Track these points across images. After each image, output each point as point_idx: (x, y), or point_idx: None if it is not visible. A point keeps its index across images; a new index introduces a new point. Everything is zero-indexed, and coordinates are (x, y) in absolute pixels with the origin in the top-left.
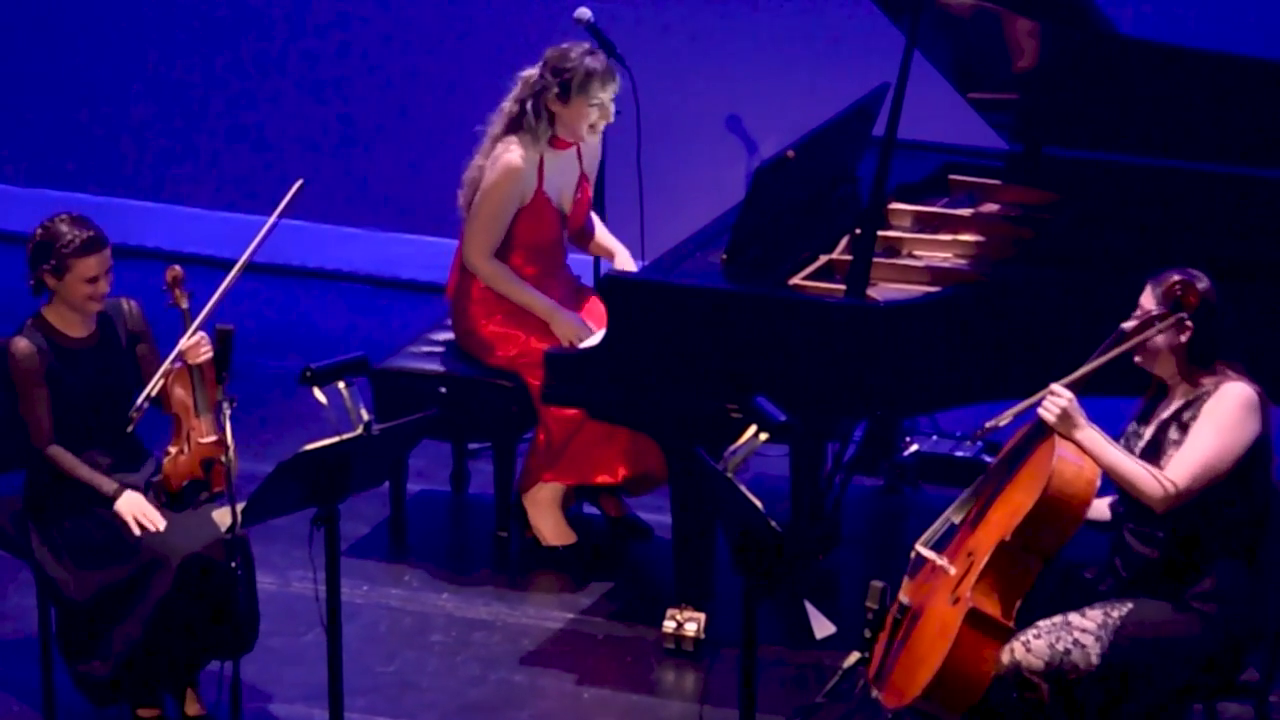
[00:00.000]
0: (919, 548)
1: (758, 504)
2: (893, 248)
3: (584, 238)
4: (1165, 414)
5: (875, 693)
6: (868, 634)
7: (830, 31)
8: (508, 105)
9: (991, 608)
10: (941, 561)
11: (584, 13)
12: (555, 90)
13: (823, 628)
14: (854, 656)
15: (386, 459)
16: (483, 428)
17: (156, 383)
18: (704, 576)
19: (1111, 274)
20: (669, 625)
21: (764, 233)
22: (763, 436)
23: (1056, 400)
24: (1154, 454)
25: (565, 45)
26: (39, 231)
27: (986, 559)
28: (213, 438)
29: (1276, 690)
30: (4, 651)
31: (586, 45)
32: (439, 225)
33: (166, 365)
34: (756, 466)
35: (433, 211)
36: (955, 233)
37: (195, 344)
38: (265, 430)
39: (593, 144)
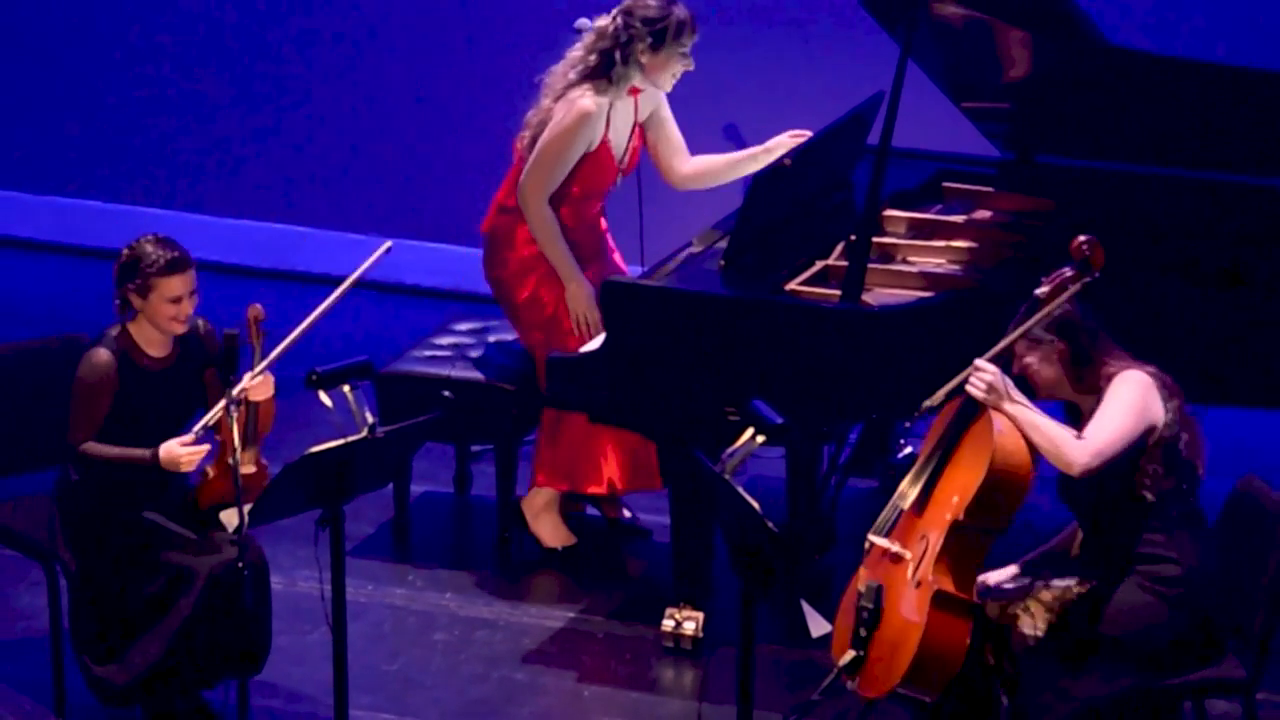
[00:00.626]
0: (872, 537)
1: (755, 505)
2: (887, 254)
3: (692, 176)
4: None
5: (851, 685)
6: (862, 632)
7: (826, 41)
8: (578, 54)
9: (953, 585)
10: (897, 548)
11: (584, 23)
12: (648, 40)
13: (819, 626)
14: (849, 654)
15: (391, 461)
16: (485, 431)
17: (215, 414)
18: (702, 576)
19: (1101, 279)
20: (668, 624)
21: (761, 239)
22: (760, 439)
23: (982, 375)
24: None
25: None
26: (125, 252)
27: (941, 540)
28: (252, 468)
29: (1264, 687)
30: (16, 650)
31: None
32: (442, 233)
33: (227, 400)
34: (753, 468)
35: (436, 219)
36: (949, 239)
37: (261, 383)
38: (271, 432)
39: (650, 91)
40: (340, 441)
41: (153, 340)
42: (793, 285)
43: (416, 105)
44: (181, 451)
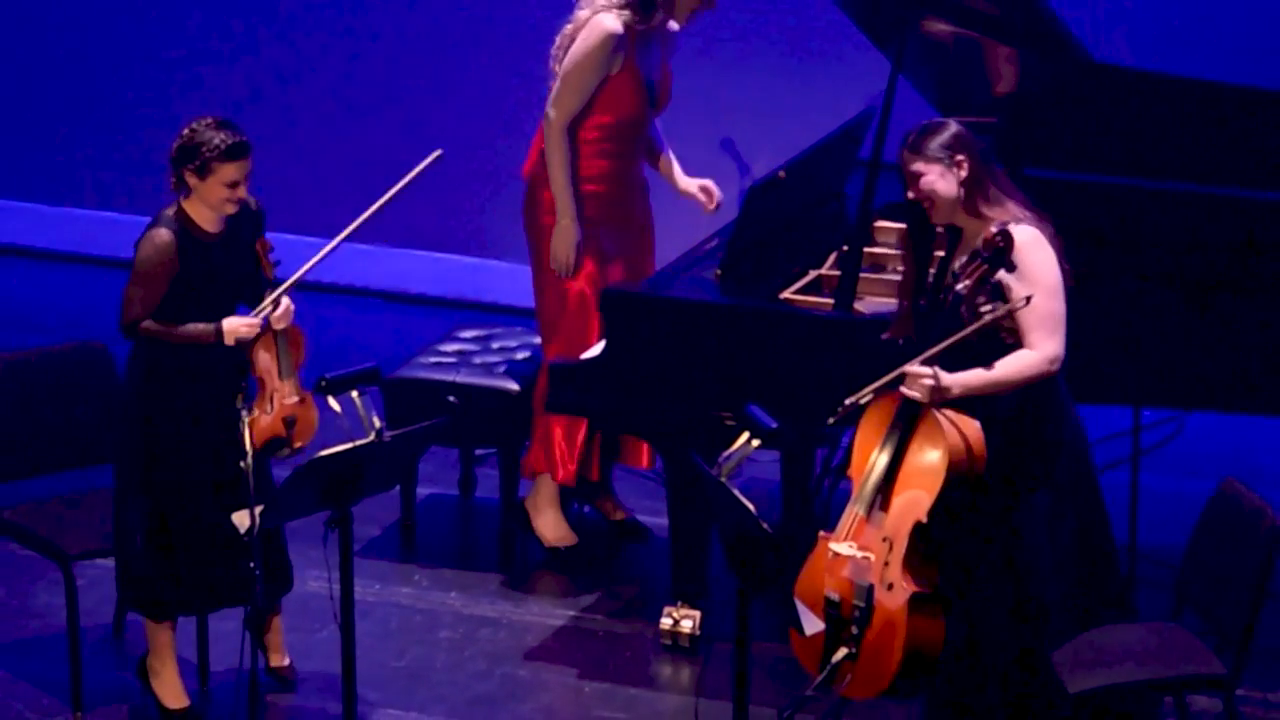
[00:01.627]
0: (834, 547)
1: (750, 507)
2: (878, 263)
3: (652, 154)
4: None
5: (836, 690)
6: (854, 630)
7: (819, 58)
8: None
9: (925, 584)
10: (862, 555)
11: None
12: None
13: (812, 625)
14: (841, 652)
15: (397, 464)
16: (488, 435)
17: (279, 293)
18: (699, 576)
19: (1086, 287)
20: (666, 622)
21: (756, 249)
22: (755, 443)
23: (921, 381)
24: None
25: None
26: (185, 133)
27: (907, 542)
28: (296, 398)
29: (1243, 684)
30: (34, 647)
31: None
32: (447, 243)
33: (255, 319)
34: (749, 471)
35: (441, 230)
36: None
37: (282, 311)
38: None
39: (670, 33)
40: (348, 445)
41: (207, 218)
42: (787, 294)
43: (419, 121)
44: (241, 322)
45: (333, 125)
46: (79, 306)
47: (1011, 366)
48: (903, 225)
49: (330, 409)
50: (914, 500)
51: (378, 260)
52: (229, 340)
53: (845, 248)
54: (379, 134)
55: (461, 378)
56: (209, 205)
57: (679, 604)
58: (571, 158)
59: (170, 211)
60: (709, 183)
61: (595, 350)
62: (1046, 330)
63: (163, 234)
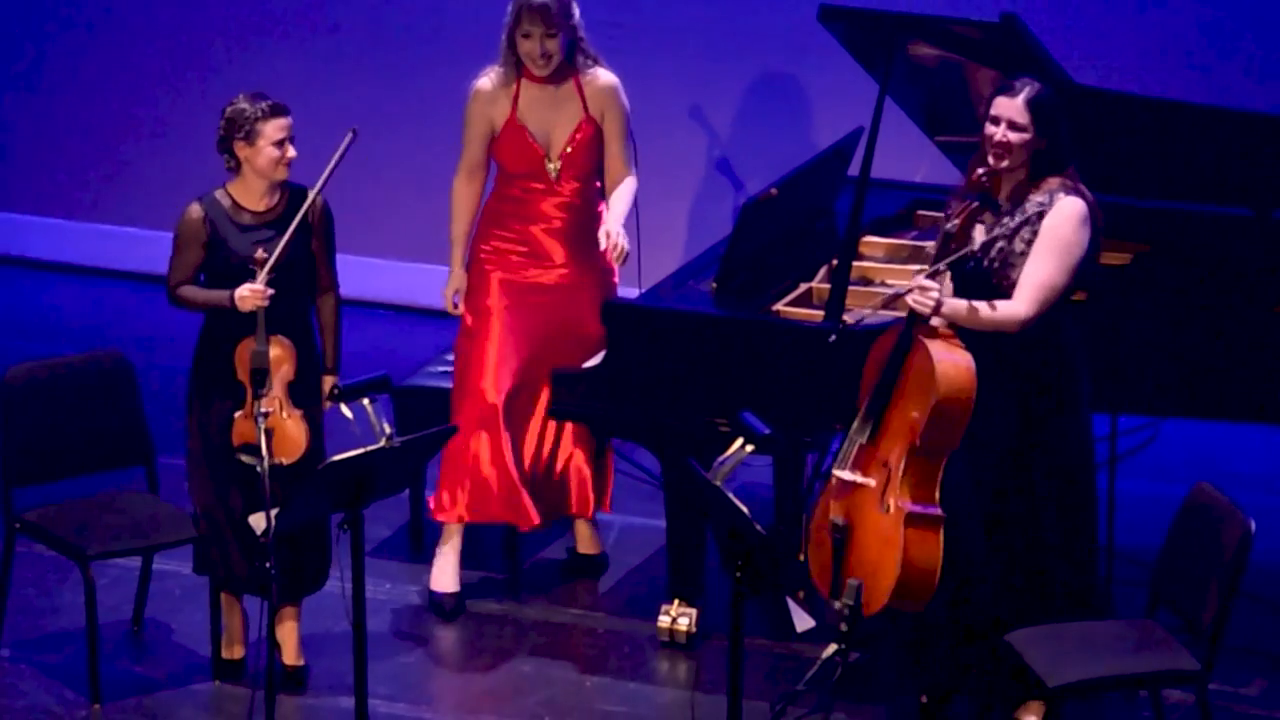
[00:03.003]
0: (838, 473)
1: (744, 509)
2: (866, 277)
3: (608, 193)
4: (1014, 221)
5: (839, 604)
6: (843, 628)
7: (810, 80)
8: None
9: (921, 503)
10: (862, 479)
11: None
12: (508, 21)
13: (803, 622)
14: (831, 648)
15: (407, 468)
16: None
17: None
18: (695, 576)
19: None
20: (663, 620)
21: (750, 263)
22: (748, 448)
23: (929, 295)
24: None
25: None
26: (227, 110)
27: (903, 465)
28: (270, 410)
29: (1214, 678)
30: (57, 643)
31: None
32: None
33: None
34: (743, 475)
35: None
36: (923, 264)
37: (254, 294)
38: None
39: (600, 87)
40: (360, 451)
41: (253, 192)
42: (779, 306)
43: (427, 136)
44: (246, 290)
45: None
46: (100, 318)
47: (990, 312)
48: (889, 240)
49: (343, 416)
50: (907, 428)
51: (389, 274)
52: (242, 306)
53: (834, 262)
54: (390, 150)
55: None
56: (262, 173)
57: (676, 602)
58: (471, 210)
59: (215, 190)
60: (610, 230)
61: (596, 359)
62: (1035, 295)
63: (193, 207)
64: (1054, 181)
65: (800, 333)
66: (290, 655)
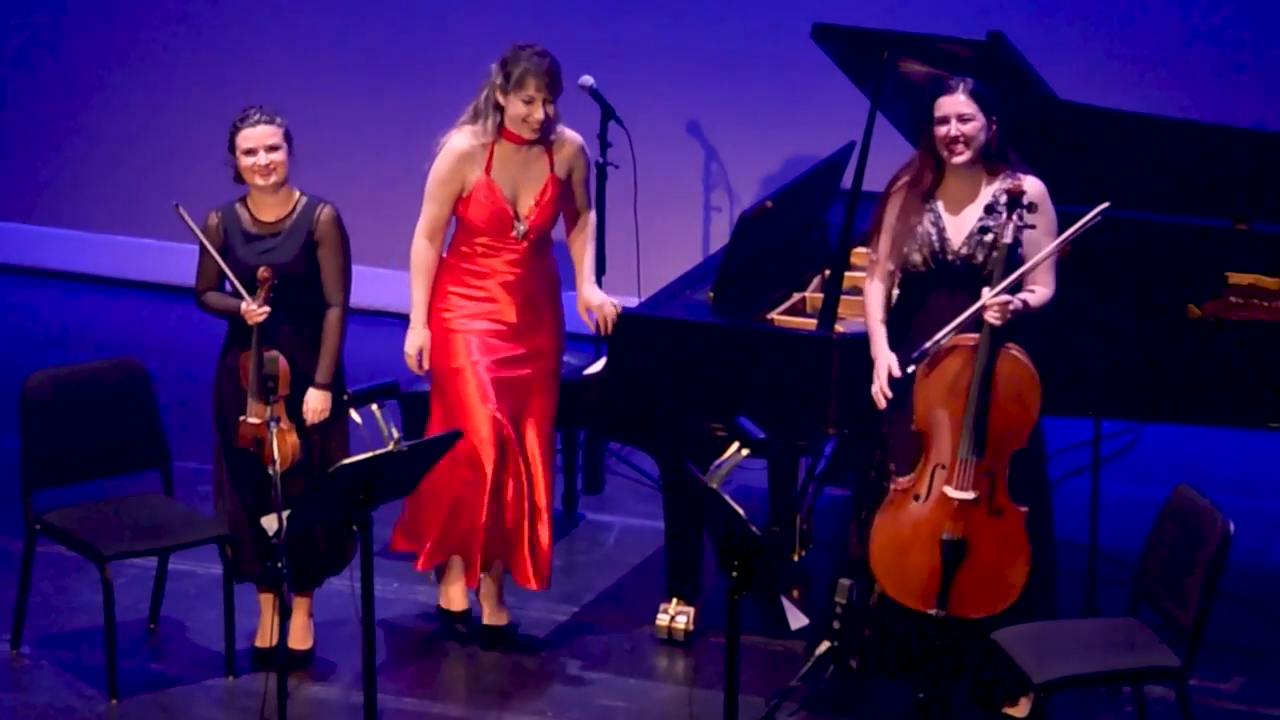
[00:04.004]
0: (956, 494)
1: (740, 511)
2: (858, 287)
3: (572, 239)
4: (996, 202)
5: (938, 612)
6: (836, 625)
7: (804, 96)
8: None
9: (1017, 501)
10: (971, 496)
11: (587, 80)
12: (499, 82)
13: (797, 620)
14: (825, 645)
15: (414, 471)
16: None
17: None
18: (693, 575)
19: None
20: (662, 618)
21: (746, 273)
22: (744, 452)
23: (1001, 306)
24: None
25: (523, 44)
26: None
27: (1007, 470)
28: (256, 420)
29: (1195, 674)
30: (77, 641)
31: (539, 47)
32: None
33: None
34: (739, 479)
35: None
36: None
37: (248, 312)
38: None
39: (568, 148)
40: (369, 455)
41: (262, 205)
42: (774, 315)
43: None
44: (247, 308)
45: (367, 156)
46: (118, 326)
47: (1041, 299)
48: None
49: (353, 421)
50: (1014, 429)
51: (395, 284)
52: (246, 320)
53: (827, 272)
54: (397, 165)
55: None
56: (246, 181)
57: (674, 601)
58: (430, 270)
59: (235, 200)
60: (600, 304)
61: (597, 366)
62: (1053, 271)
63: (211, 215)
64: (1003, 167)
65: (794, 341)
66: (295, 640)
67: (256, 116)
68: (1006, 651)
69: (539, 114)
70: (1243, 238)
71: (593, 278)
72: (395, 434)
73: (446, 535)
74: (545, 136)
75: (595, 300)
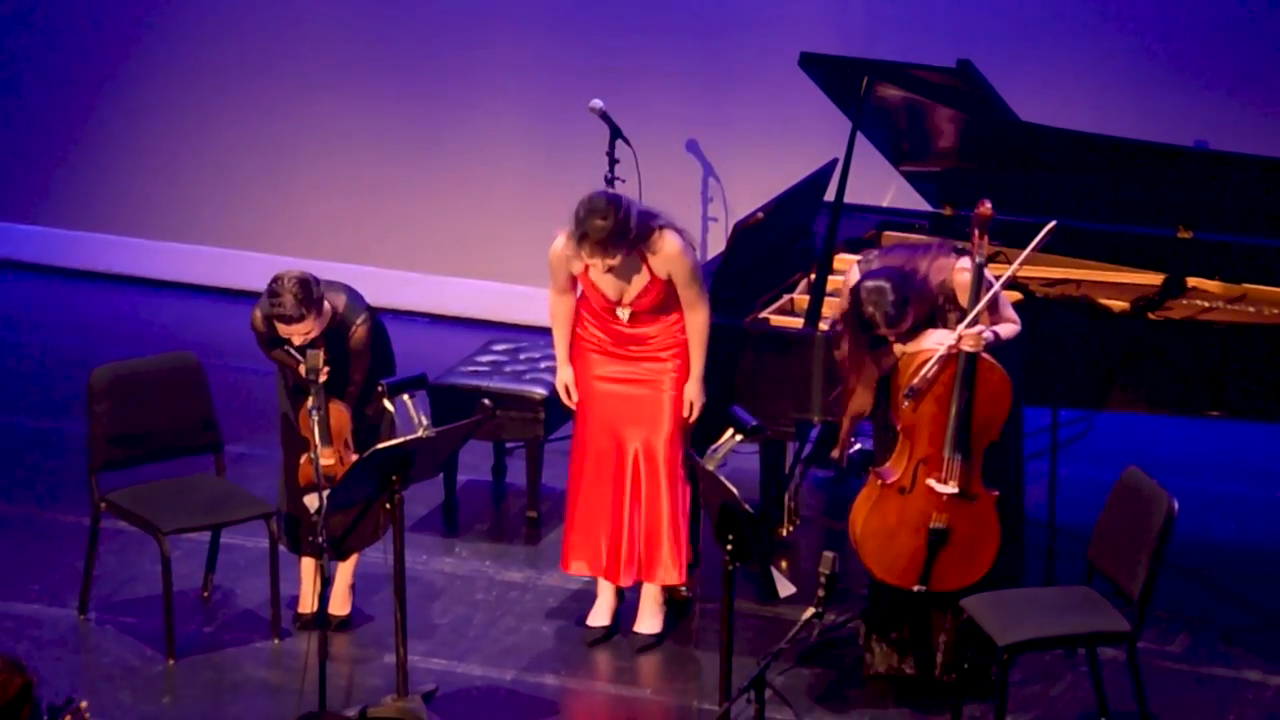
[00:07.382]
0: (944, 489)
1: (734, 490)
2: (840, 289)
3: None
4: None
5: (919, 588)
6: (820, 593)
7: (792, 117)
8: None
9: (988, 485)
10: (955, 490)
11: (596, 103)
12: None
13: (785, 589)
14: (809, 611)
15: (441, 455)
16: (517, 430)
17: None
18: (691, 547)
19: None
20: None
21: (741, 277)
22: (738, 438)
23: (976, 337)
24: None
25: (593, 200)
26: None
27: (979, 459)
28: (332, 461)
29: (1142, 638)
30: (138, 607)
31: (601, 212)
32: (484, 270)
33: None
34: (733, 462)
35: (477, 259)
36: None
37: (315, 358)
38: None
39: (663, 255)
40: (401, 440)
41: None
42: (765, 314)
43: (445, 165)
44: (310, 359)
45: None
46: (175, 324)
47: (1010, 331)
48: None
49: (386, 410)
50: (991, 426)
51: (424, 287)
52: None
53: (813, 276)
54: (425, 173)
55: (495, 383)
56: None
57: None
58: (567, 318)
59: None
60: (690, 400)
61: None
62: (1011, 308)
63: (256, 313)
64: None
65: (783, 337)
66: (335, 605)
67: (290, 310)
68: (974, 617)
69: (601, 267)
70: (1189, 245)
71: (696, 373)
72: (424, 421)
73: (582, 540)
74: (631, 249)
75: (688, 395)
